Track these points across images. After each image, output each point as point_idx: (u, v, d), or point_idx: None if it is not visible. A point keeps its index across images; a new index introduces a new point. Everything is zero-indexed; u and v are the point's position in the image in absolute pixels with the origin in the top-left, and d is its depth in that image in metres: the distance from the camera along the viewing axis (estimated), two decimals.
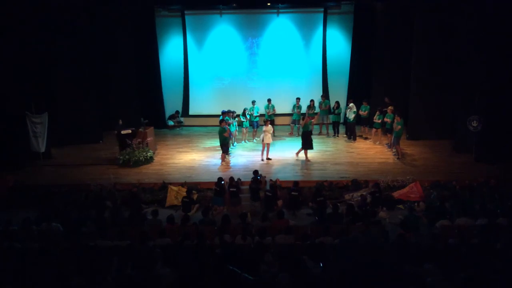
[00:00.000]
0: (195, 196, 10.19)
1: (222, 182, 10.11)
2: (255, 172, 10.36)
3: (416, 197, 10.01)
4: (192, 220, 8.58)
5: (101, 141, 14.47)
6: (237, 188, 9.96)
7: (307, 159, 12.46)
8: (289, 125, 15.59)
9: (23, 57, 12.02)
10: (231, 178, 10.13)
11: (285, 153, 13.17)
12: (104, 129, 14.52)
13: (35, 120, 12.27)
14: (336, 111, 14.69)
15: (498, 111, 11.87)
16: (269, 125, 12.63)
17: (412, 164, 12.17)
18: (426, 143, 13.70)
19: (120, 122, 12.66)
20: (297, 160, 12.59)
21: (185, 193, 9.96)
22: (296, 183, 9.97)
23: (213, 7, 15.67)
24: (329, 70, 16.35)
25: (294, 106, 14.97)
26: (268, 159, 12.52)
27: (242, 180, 10.54)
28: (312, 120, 12.92)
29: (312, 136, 14.84)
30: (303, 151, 12.50)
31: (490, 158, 11.96)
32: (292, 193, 9.79)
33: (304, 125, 12.41)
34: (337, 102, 14.77)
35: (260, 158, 12.58)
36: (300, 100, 14.95)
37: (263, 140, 12.53)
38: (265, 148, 12.53)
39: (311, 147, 12.45)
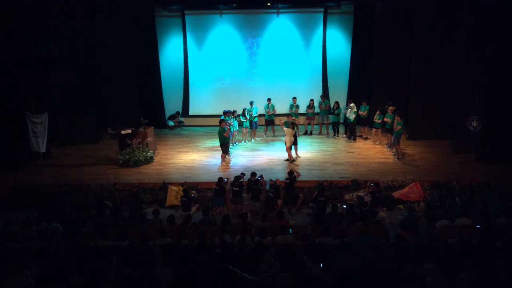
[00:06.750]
0: (192, 193, 10.16)
1: (226, 181, 10.14)
2: (253, 174, 10.36)
3: (416, 197, 10.01)
4: (192, 220, 8.58)
5: (101, 141, 14.46)
6: (240, 187, 9.96)
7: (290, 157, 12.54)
8: None
9: (23, 57, 12.01)
10: (236, 177, 10.13)
11: (285, 153, 13.14)
12: (104, 129, 14.51)
13: (35, 120, 12.26)
14: (336, 111, 14.68)
15: (498, 111, 11.87)
16: (289, 128, 12.24)
17: (412, 164, 12.17)
18: (426, 143, 13.69)
19: (117, 124, 12.57)
20: (297, 160, 12.60)
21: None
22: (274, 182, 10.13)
23: (213, 7, 15.65)
24: (329, 70, 16.34)
25: (291, 106, 14.93)
26: (286, 160, 12.50)
27: (244, 178, 10.52)
28: (297, 122, 13.06)
29: (312, 136, 15.03)
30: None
31: (490, 158, 11.96)
32: (269, 194, 9.85)
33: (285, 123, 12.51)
34: (337, 102, 14.75)
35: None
36: (297, 99, 14.86)
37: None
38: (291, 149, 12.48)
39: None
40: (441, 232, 7.72)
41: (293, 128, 12.18)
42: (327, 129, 15.32)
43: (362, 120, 14.80)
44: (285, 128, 12.36)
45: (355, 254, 2.10)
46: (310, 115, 15.11)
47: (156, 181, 11.09)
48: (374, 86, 15.20)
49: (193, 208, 9.86)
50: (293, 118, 13.39)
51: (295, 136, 12.42)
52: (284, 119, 13.13)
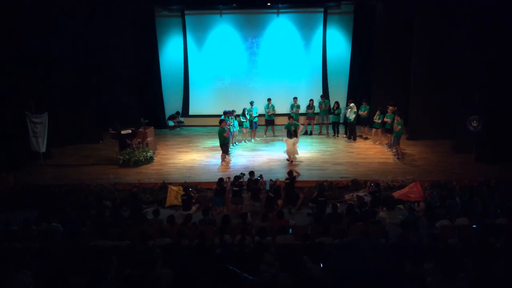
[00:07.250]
0: (192, 193, 10.18)
1: (225, 180, 10.15)
2: (251, 173, 10.36)
3: (416, 197, 10.01)
4: (192, 220, 8.58)
5: (101, 141, 14.45)
6: (240, 187, 9.96)
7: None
8: None
9: (23, 57, 12.01)
10: (236, 177, 10.13)
11: (284, 153, 13.15)
12: (104, 129, 14.50)
13: (35, 120, 12.26)
14: (336, 111, 14.67)
15: (498, 111, 11.87)
16: (291, 138, 12.19)
17: (412, 164, 12.17)
18: (426, 143, 13.69)
19: (117, 124, 12.57)
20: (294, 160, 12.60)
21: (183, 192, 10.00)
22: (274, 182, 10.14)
23: (213, 7, 15.64)
24: (329, 70, 16.33)
25: (292, 106, 14.89)
26: (287, 159, 12.52)
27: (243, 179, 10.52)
28: (300, 124, 13.10)
29: (312, 136, 15.03)
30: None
31: (490, 158, 11.97)
32: (269, 194, 9.84)
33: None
34: (337, 102, 14.75)
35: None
36: (298, 100, 14.83)
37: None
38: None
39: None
40: (441, 232, 7.72)
41: (290, 137, 12.16)
42: (327, 129, 15.31)
43: (362, 120, 14.79)
44: (285, 139, 12.35)
45: (355, 254, 2.09)
46: (310, 115, 15.09)
47: (156, 181, 11.09)
48: (374, 86, 15.19)
49: (193, 208, 9.86)
50: (294, 120, 13.36)
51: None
52: (286, 121, 13.16)
